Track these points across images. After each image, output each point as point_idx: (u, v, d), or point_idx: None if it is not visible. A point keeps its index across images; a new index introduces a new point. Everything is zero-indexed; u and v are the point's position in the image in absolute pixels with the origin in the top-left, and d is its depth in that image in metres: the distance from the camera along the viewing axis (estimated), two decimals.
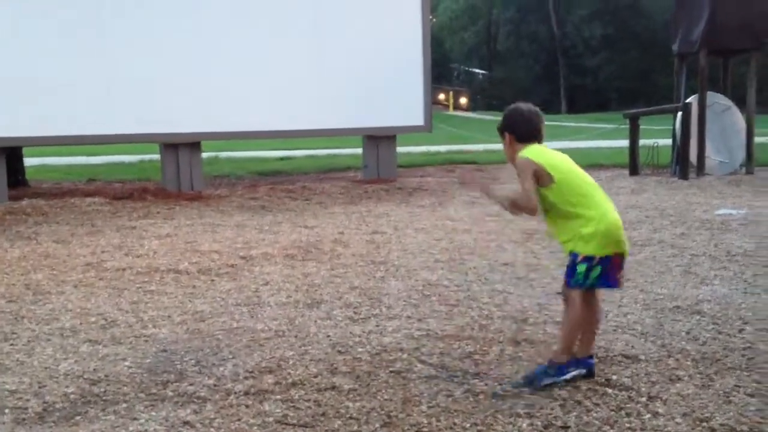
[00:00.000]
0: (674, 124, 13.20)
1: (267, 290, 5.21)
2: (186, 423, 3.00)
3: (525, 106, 3.49)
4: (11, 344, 4.06)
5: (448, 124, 30.85)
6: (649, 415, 2.98)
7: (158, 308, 4.78)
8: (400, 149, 13.78)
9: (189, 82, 10.94)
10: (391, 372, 3.53)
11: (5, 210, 9.06)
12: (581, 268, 3.25)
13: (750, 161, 12.91)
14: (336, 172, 14.55)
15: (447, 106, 52.79)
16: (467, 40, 67.79)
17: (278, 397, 3.24)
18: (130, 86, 10.65)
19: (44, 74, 10.21)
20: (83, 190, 11.27)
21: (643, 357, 3.66)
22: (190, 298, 5.04)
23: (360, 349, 3.87)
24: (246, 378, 3.47)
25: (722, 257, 6.01)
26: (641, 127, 13.93)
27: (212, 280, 5.55)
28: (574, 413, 3.01)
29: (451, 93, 55.18)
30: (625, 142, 14.38)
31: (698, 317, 4.33)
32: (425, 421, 2.96)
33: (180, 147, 11.06)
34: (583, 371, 3.36)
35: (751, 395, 3.16)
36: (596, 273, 3.26)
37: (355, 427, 2.93)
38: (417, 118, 12.83)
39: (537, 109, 3.49)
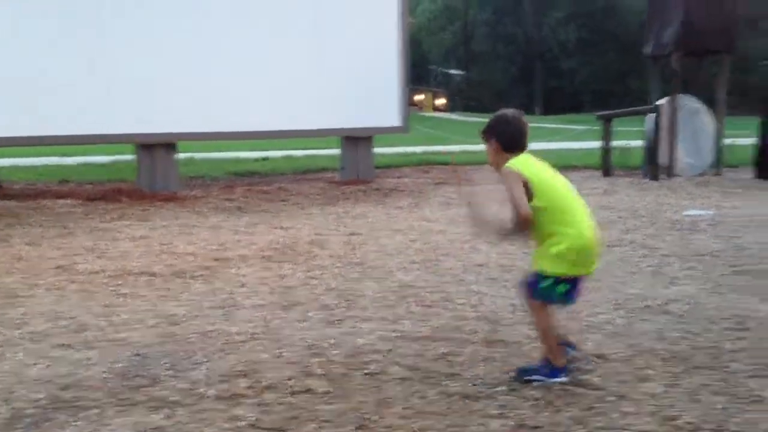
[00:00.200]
0: (646, 126, 13.33)
1: (242, 292, 5.20)
2: (158, 428, 2.98)
3: (512, 113, 3.49)
4: None
5: (425, 125, 30.90)
6: (618, 414, 3.02)
7: (131, 311, 4.75)
8: (376, 150, 13.80)
9: (168, 83, 10.91)
10: (365, 374, 3.54)
11: None
12: (547, 282, 3.28)
13: (719, 163, 13.08)
14: (313, 173, 14.53)
15: (424, 108, 52.89)
16: (444, 41, 68.03)
17: (252, 401, 3.24)
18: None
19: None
20: (56, 191, 11.15)
21: (613, 356, 3.70)
22: (164, 301, 5.02)
23: (335, 351, 3.88)
24: (219, 382, 3.47)
25: (691, 257, 6.10)
26: (614, 128, 14.05)
27: (186, 283, 5.53)
28: (546, 413, 3.04)
29: (429, 94, 55.30)
30: (598, 144, 14.50)
31: (667, 317, 4.40)
32: (399, 423, 2.98)
33: (155, 147, 11.01)
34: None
35: (718, 394, 3.21)
36: (563, 289, 3.30)
37: (330, 430, 2.94)
38: (394, 119, 12.87)
39: (523, 116, 3.49)
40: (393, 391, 3.32)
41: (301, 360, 3.75)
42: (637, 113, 14.64)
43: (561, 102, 57.65)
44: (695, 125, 13.14)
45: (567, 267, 3.25)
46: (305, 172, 14.76)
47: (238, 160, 17.01)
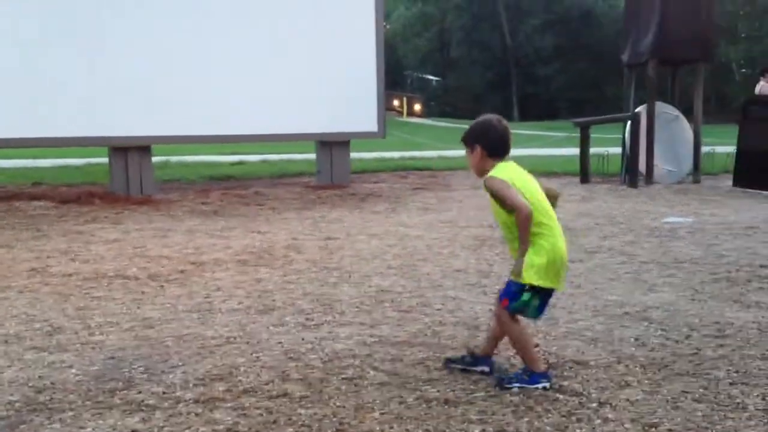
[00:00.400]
0: (624, 134, 13.40)
1: (218, 296, 5.15)
2: (134, 431, 2.94)
3: (495, 118, 3.46)
4: None
5: (402, 131, 30.93)
6: (599, 421, 3.01)
7: (105, 314, 4.69)
8: (353, 155, 13.77)
9: (145, 86, 10.82)
10: (343, 379, 3.51)
11: None
12: (526, 296, 3.30)
13: (697, 170, 13.18)
14: (289, 178, 14.46)
15: (401, 113, 52.99)
16: (420, 47, 68.28)
17: (229, 404, 3.20)
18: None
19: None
20: (29, 193, 11.03)
21: (593, 363, 3.69)
22: (139, 304, 4.96)
23: (312, 356, 3.84)
24: (196, 385, 3.42)
25: (670, 264, 6.11)
26: (591, 135, 14.12)
27: (161, 286, 5.46)
28: (526, 419, 3.02)
29: (405, 99, 55.41)
30: (575, 151, 14.56)
31: (647, 324, 4.39)
32: (378, 428, 2.95)
33: (129, 150, 10.91)
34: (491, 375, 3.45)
35: (698, 401, 3.21)
36: (536, 303, 3.34)
37: None
38: (371, 123, 12.84)
39: (505, 120, 3.47)
40: (371, 396, 3.29)
41: (278, 364, 3.71)
42: (614, 120, 14.72)
43: (537, 108, 58.04)
44: (672, 132, 13.24)
45: (545, 278, 3.27)
46: (281, 176, 14.69)
47: (213, 164, 16.91)
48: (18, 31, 10.12)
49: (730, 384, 3.40)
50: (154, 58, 10.90)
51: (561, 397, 3.26)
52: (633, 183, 12.34)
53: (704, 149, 13.74)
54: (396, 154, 19.58)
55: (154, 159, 11.76)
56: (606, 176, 13.79)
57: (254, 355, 3.87)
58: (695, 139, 13.14)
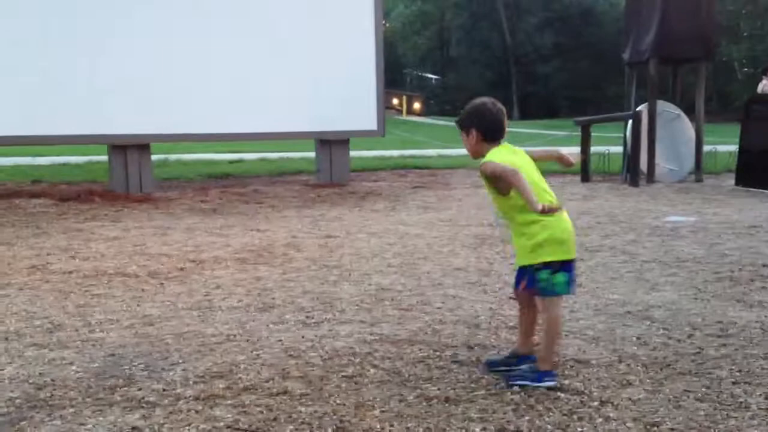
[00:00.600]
0: (625, 132, 13.39)
1: (218, 294, 5.13)
2: (134, 428, 2.93)
3: (489, 101, 3.42)
4: None
5: (401, 130, 30.92)
6: (600, 420, 2.99)
7: (106, 312, 4.68)
8: (352, 153, 13.76)
9: (142, 85, 10.80)
10: (343, 376, 3.50)
11: None
12: (544, 275, 3.24)
13: (699, 169, 13.17)
14: (288, 176, 14.46)
15: (401, 111, 52.96)
16: (420, 45, 68.26)
17: (229, 402, 3.19)
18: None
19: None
20: (28, 191, 11.02)
21: (594, 362, 3.68)
22: (139, 301, 4.95)
23: (312, 354, 3.83)
24: (196, 383, 3.41)
25: (672, 263, 6.10)
26: (592, 134, 14.10)
27: (161, 284, 5.45)
28: (527, 417, 3.01)
29: (404, 97, 55.37)
30: (576, 149, 14.53)
31: (649, 323, 4.38)
32: (378, 426, 2.93)
33: (128, 149, 10.91)
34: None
35: (701, 400, 3.19)
36: (562, 279, 3.25)
37: None
38: (370, 122, 12.84)
39: (500, 103, 3.44)
40: (371, 394, 3.27)
41: (278, 362, 3.70)
42: (615, 119, 14.70)
43: (537, 107, 58.06)
44: (674, 131, 13.22)
45: (552, 252, 3.22)
46: (280, 174, 14.68)
47: (212, 162, 16.90)
48: (18, 30, 10.11)
49: (733, 383, 3.39)
50: (154, 57, 10.90)
51: (562, 395, 3.24)
52: (634, 182, 12.33)
53: (706, 148, 13.72)
54: (395, 153, 19.59)
55: (153, 157, 11.75)
56: (607, 175, 13.77)
57: (254, 352, 3.85)
58: (697, 137, 13.12)
